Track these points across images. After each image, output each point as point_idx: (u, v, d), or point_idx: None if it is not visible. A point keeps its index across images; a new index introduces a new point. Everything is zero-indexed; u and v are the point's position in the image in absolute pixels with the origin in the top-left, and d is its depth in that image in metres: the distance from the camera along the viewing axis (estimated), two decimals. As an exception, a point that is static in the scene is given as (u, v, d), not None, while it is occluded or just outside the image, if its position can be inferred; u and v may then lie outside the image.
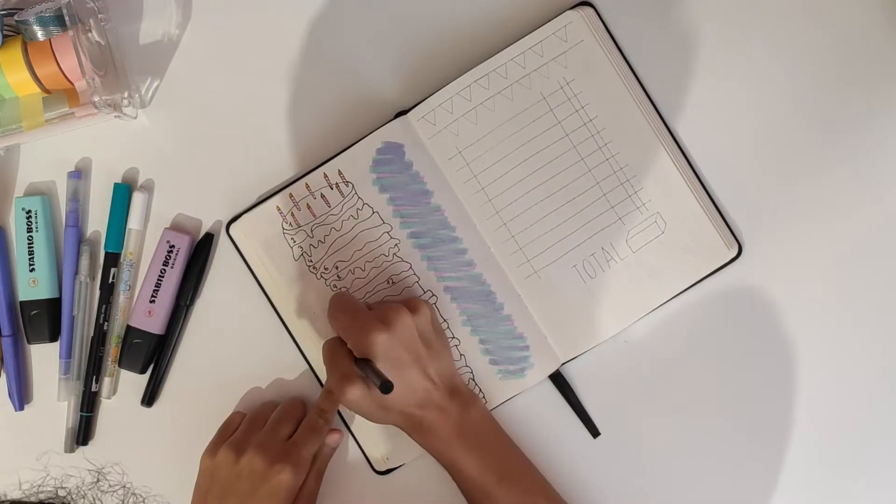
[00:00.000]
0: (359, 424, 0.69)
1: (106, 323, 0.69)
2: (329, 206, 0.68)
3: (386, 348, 0.61)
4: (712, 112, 0.68)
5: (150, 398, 0.70)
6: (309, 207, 0.68)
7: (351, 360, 0.62)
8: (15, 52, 0.63)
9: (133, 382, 0.71)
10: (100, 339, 0.69)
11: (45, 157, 0.70)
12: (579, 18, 0.66)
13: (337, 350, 0.63)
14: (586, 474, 0.69)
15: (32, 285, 0.69)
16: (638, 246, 0.67)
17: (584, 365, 0.69)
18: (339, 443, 0.69)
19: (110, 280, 0.69)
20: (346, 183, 0.68)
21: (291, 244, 0.68)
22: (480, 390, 0.68)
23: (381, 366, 0.60)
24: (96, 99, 0.63)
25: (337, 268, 0.68)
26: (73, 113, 0.64)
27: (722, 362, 0.69)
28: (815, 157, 0.68)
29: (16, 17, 0.62)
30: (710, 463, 0.69)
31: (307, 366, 0.69)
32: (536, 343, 0.68)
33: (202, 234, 0.70)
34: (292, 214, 0.68)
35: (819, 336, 0.68)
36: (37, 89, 0.64)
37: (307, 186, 0.68)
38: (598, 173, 0.67)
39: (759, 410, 0.69)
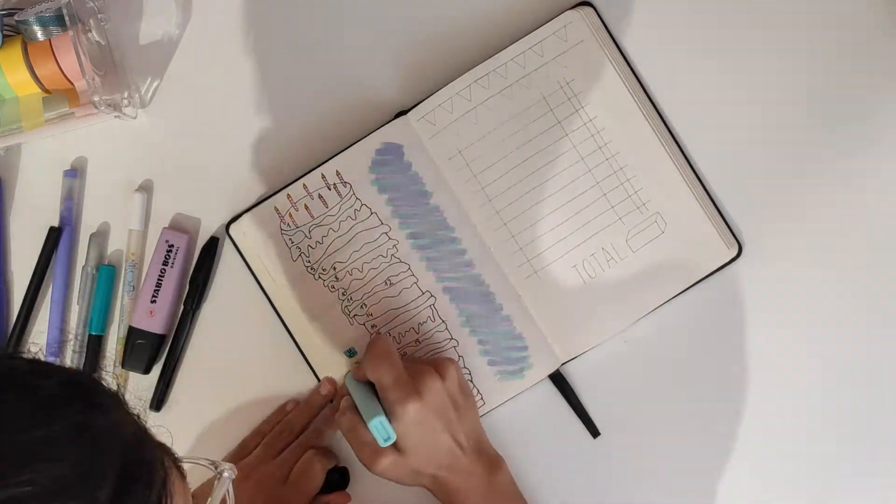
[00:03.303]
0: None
1: None
2: (327, 208, 0.68)
3: (419, 417, 0.61)
4: (712, 112, 0.67)
5: (158, 402, 0.70)
6: (307, 208, 0.68)
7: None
8: (15, 52, 0.63)
9: (140, 387, 0.70)
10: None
11: (46, 156, 0.70)
12: (579, 18, 0.66)
13: (358, 426, 0.62)
14: (586, 474, 0.69)
15: None
16: (638, 246, 0.67)
17: (584, 365, 0.69)
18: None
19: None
20: (344, 184, 0.68)
21: (289, 245, 0.68)
22: (478, 391, 0.68)
23: (413, 433, 0.61)
24: (96, 99, 0.63)
25: (335, 269, 0.68)
26: (73, 113, 0.64)
27: (722, 362, 0.69)
28: (816, 157, 0.68)
29: (16, 17, 0.62)
30: (710, 463, 0.69)
31: (308, 367, 0.69)
32: (535, 343, 0.68)
33: (201, 233, 0.70)
34: (290, 215, 0.68)
35: (819, 335, 0.68)
36: (37, 89, 0.64)
37: (305, 187, 0.68)
38: (598, 173, 0.67)
39: (760, 410, 0.68)
